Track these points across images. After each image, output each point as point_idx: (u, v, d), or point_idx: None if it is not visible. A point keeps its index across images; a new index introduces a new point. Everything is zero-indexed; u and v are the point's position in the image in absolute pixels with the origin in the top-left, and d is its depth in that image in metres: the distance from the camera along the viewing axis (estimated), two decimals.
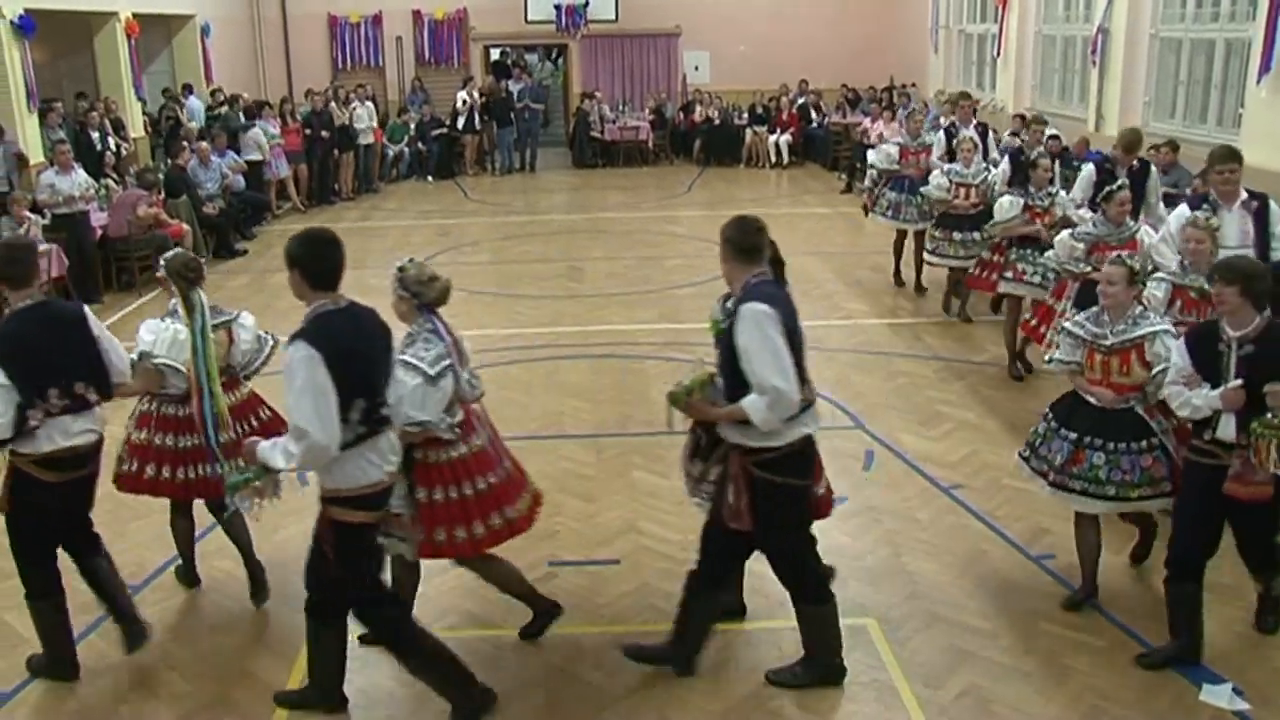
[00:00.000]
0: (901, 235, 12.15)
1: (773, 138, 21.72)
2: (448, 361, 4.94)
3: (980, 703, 5.05)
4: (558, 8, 22.70)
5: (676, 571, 5.93)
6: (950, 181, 10.65)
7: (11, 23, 13.48)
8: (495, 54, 24.77)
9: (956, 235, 10.60)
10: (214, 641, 5.63)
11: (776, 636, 5.52)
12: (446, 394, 4.93)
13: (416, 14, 23.41)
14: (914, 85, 21.91)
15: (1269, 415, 4.79)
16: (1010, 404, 8.65)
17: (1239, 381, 4.87)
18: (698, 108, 22.62)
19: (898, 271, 12.39)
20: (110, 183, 14.17)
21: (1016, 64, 17.94)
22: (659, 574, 6.16)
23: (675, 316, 11.30)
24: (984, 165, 10.87)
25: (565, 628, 5.64)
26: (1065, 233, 8.12)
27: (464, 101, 21.43)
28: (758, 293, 4.69)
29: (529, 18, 22.92)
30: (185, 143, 15.48)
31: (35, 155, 13.84)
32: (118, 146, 15.39)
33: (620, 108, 23.19)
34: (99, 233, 12.88)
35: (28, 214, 11.72)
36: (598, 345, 10.35)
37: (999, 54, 18.60)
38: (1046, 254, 8.52)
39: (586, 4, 22.74)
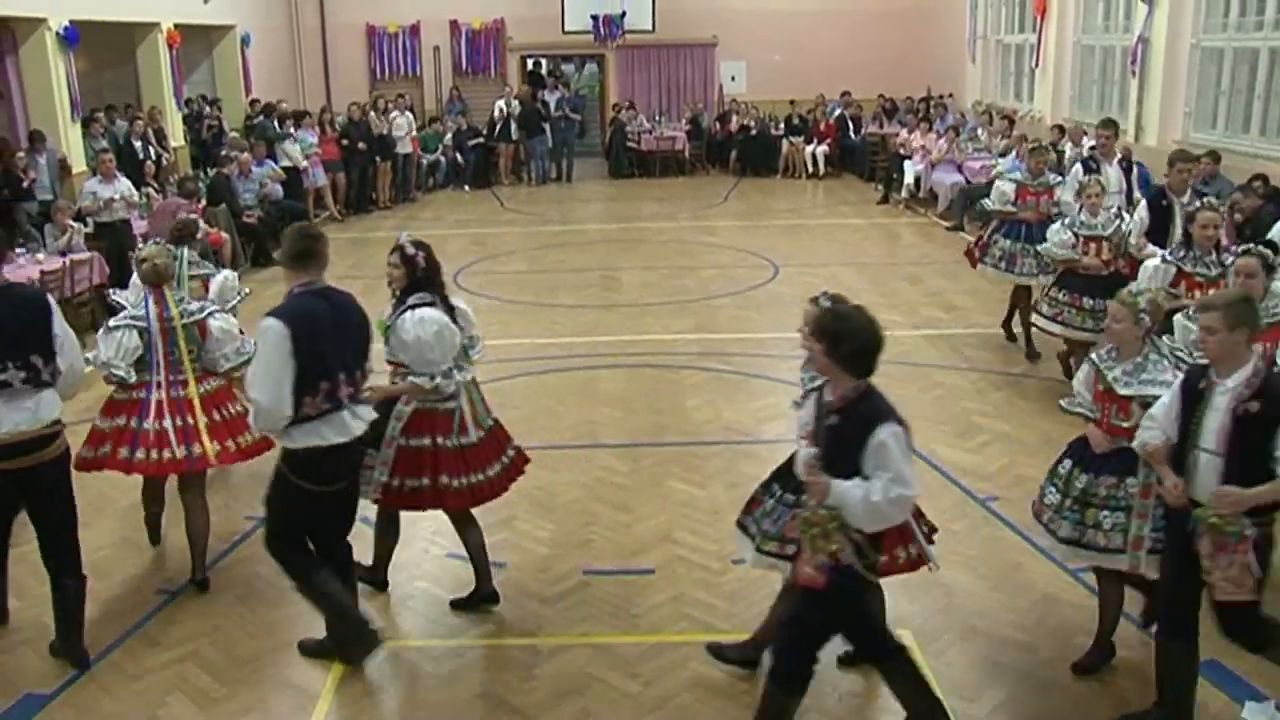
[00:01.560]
0: (1024, 290, 10.11)
1: (809, 148, 21.68)
2: (133, 324, 6.03)
3: (1016, 716, 5.01)
4: (595, 18, 22.78)
5: (712, 581, 5.94)
6: (1075, 235, 8.72)
7: (57, 34, 13.68)
8: (530, 64, 24.88)
9: (1086, 301, 8.51)
10: (251, 647, 5.66)
11: None
12: (123, 346, 5.98)
13: (454, 24, 23.57)
14: (950, 96, 21.82)
15: (811, 503, 4.23)
16: (1047, 416, 8.57)
17: (812, 451, 4.25)
18: (734, 118, 22.61)
19: (1008, 322, 10.48)
20: (151, 191, 14.33)
21: (1055, 74, 17.84)
22: (694, 584, 6.15)
23: (711, 326, 11.29)
24: (1115, 212, 8.97)
25: (601, 637, 5.64)
26: (1180, 315, 6.15)
27: (500, 111, 21.53)
28: (285, 306, 4.98)
29: (566, 28, 22.99)
30: (227, 151, 15.63)
31: (78, 165, 14.04)
32: (158, 156, 15.57)
33: (657, 118, 23.24)
34: (139, 241, 13.01)
35: (71, 223, 11.86)
36: (633, 355, 10.36)
37: (1037, 64, 18.51)
38: None
39: (624, 14, 22.81)
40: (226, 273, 7.92)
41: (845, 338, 4.13)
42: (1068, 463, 5.31)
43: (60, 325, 5.35)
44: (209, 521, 6.29)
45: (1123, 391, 5.09)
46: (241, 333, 6.56)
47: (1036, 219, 9.95)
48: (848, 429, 4.14)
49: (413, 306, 5.54)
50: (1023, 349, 10.15)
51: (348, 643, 5.29)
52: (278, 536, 5.27)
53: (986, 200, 10.78)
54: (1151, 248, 8.21)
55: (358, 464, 5.35)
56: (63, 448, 5.41)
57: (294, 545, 5.28)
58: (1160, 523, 4.87)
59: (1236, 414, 4.40)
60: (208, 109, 18.90)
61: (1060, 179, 10.47)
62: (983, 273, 10.52)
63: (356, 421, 5.12)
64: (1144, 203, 8.86)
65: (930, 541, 5.10)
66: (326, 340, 4.93)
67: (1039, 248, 9.29)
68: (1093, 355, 5.41)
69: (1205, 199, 7.71)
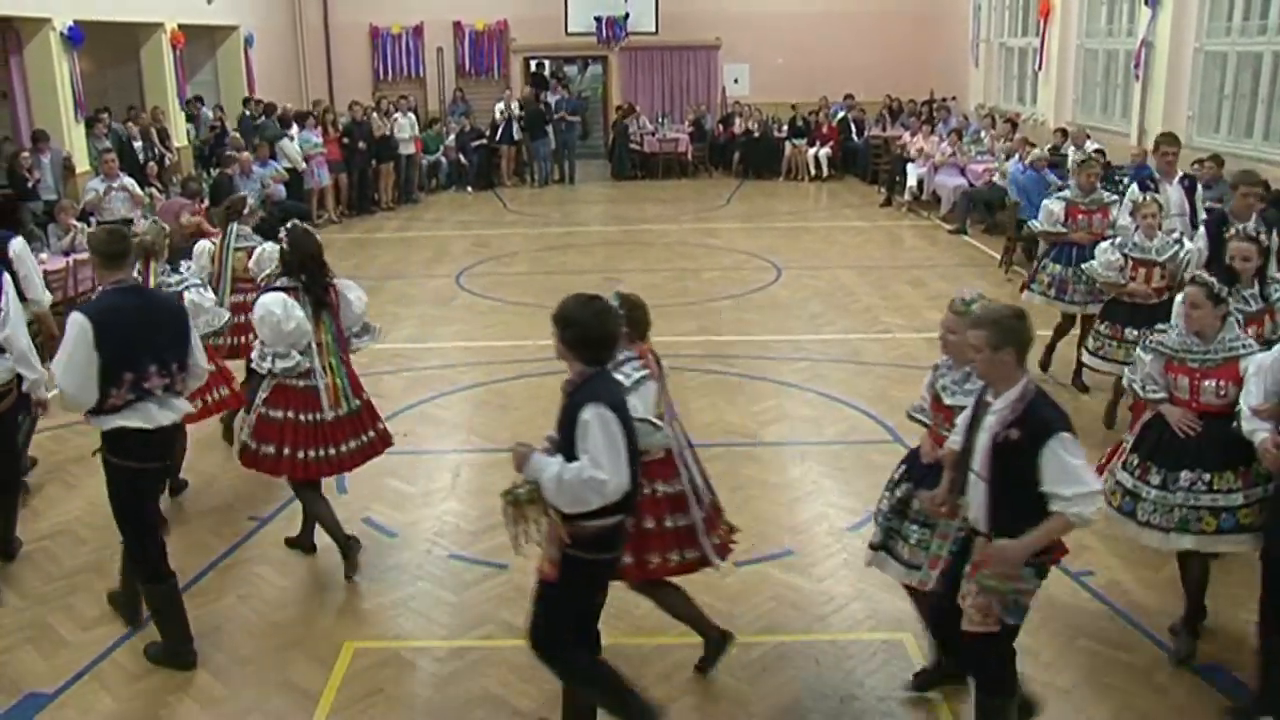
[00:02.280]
0: (1069, 320, 9.17)
1: (812, 151, 21.68)
2: None
3: None
4: (598, 19, 22.80)
5: (716, 582, 5.93)
6: (1125, 258, 7.84)
7: (61, 34, 13.69)
8: (533, 65, 24.90)
9: (1129, 333, 7.60)
10: (252, 647, 5.66)
11: (814, 650, 5.52)
12: None
13: (457, 25, 23.59)
14: (954, 99, 21.83)
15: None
16: None
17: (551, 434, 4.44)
18: (737, 120, 22.62)
19: (1047, 361, 9.33)
20: (154, 192, 14.33)
21: (1058, 78, 17.85)
22: (696, 586, 6.10)
23: (714, 329, 11.29)
24: (1175, 237, 8.00)
25: (605, 639, 5.63)
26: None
27: (501, 112, 21.54)
28: (93, 302, 5.37)
29: (569, 29, 23.02)
30: (229, 151, 15.64)
31: (81, 165, 14.05)
32: (161, 156, 15.57)
33: (660, 120, 23.25)
34: None
35: (74, 222, 11.87)
36: None
37: (1040, 68, 18.52)
38: None
39: (627, 16, 22.82)
40: (269, 245, 8.43)
41: (571, 324, 4.28)
42: (902, 467, 5.24)
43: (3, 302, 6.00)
44: (186, 447, 7.27)
45: (947, 401, 5.02)
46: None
47: (1089, 240, 8.85)
48: (569, 410, 4.27)
49: (269, 290, 6.09)
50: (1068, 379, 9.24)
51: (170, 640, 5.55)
52: (127, 521, 5.39)
53: (1034, 221, 9.85)
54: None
55: (171, 448, 5.60)
56: (12, 401, 6.18)
57: (145, 531, 5.42)
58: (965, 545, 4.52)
59: (997, 440, 4.19)
60: (204, 110, 18.90)
61: (1114, 197, 9.41)
62: (1029, 300, 9.20)
63: (164, 412, 5.30)
64: (1201, 231, 7.93)
65: (732, 542, 5.21)
66: (133, 334, 5.14)
67: (1083, 266, 8.45)
68: (937, 361, 5.33)
69: (1239, 228, 6.67)
